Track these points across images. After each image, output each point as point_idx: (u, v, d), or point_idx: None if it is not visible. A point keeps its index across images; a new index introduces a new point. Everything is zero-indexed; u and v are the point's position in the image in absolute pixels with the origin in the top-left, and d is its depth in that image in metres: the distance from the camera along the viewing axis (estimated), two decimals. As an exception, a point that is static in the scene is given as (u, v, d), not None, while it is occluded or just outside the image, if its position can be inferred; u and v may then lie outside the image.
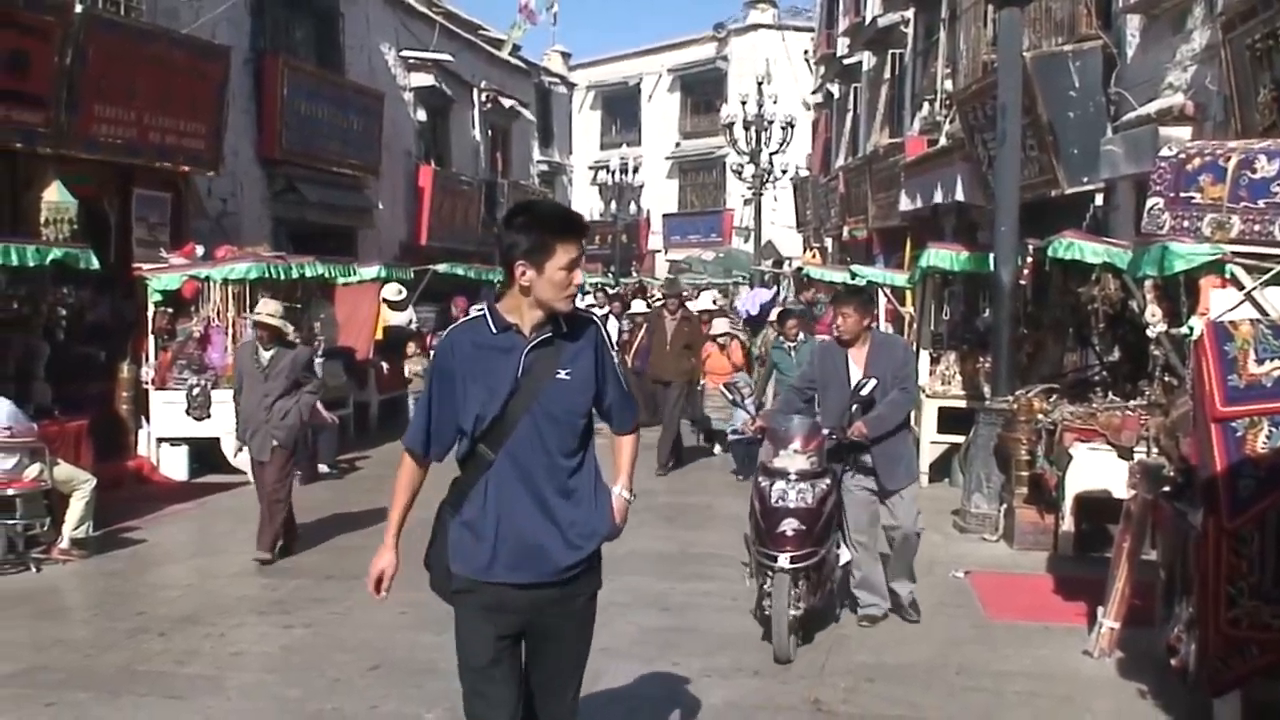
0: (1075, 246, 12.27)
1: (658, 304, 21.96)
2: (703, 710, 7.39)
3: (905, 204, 24.92)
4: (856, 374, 8.85)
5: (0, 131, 14.48)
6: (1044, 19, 18.06)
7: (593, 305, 21.89)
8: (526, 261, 4.56)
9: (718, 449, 18.00)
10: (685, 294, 19.47)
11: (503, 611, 4.71)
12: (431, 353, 21.27)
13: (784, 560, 8.19)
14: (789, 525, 8.29)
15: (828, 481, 8.61)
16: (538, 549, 4.66)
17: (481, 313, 4.78)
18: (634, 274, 50.84)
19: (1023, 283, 13.48)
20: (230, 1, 20.43)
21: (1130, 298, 12.25)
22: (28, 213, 15.10)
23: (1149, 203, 9.20)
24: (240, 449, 12.01)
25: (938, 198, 22.47)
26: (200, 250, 17.11)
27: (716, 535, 12.56)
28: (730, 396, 10.26)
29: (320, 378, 12.46)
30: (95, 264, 13.62)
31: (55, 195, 15.18)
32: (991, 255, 14.18)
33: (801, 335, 16.13)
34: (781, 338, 16.37)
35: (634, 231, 51.06)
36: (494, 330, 4.69)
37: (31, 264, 12.72)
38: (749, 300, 26.76)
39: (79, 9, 15.39)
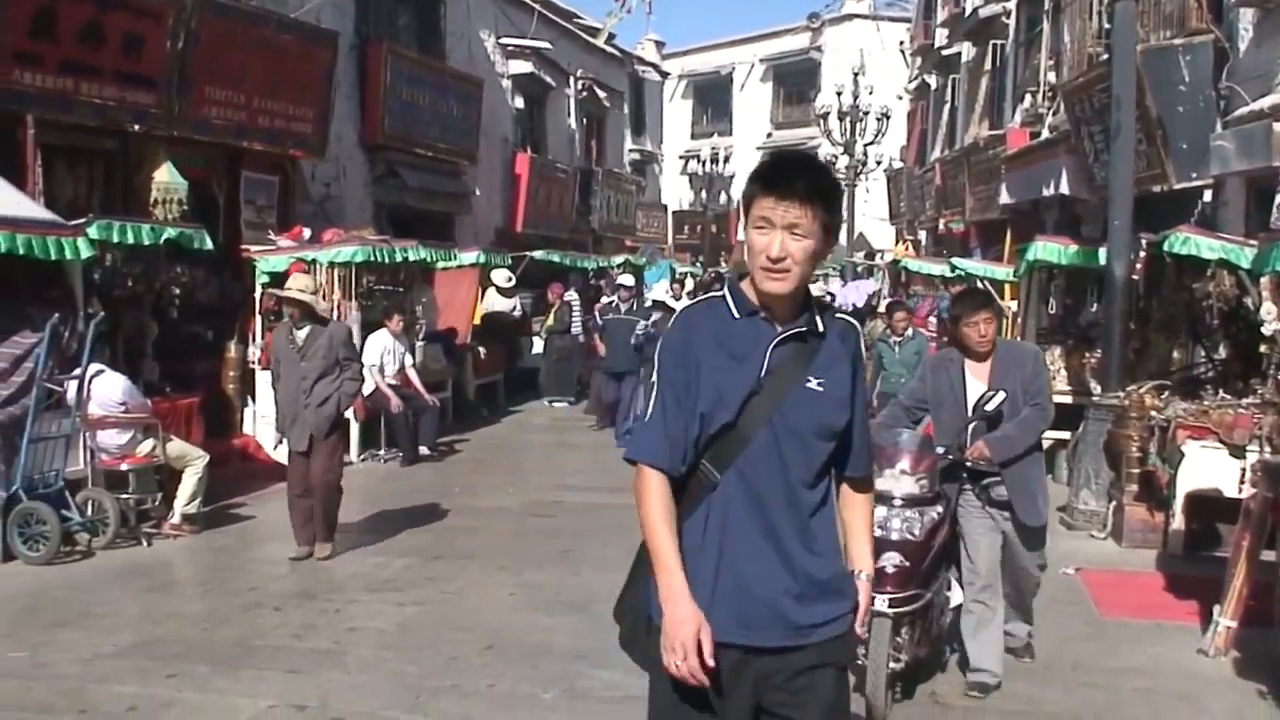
0: (1191, 242, 12.13)
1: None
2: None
3: (1006, 197, 24.73)
4: (977, 389, 7.39)
5: (113, 112, 14.66)
6: (1153, 12, 17.80)
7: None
8: (744, 221, 3.62)
9: None
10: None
11: (719, 683, 3.51)
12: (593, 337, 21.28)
13: (882, 602, 6.76)
14: (890, 560, 6.92)
15: (939, 510, 7.27)
16: (768, 602, 3.54)
17: (720, 293, 3.73)
18: (723, 264, 50.77)
19: (1135, 278, 13.35)
20: (338, -14, 20.64)
21: (1245, 295, 12.10)
22: (139, 193, 15.31)
23: (1279, 199, 9.05)
24: (280, 440, 11.35)
25: (1040, 191, 22.26)
26: (307, 233, 17.28)
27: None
28: None
29: (361, 363, 11.72)
30: (209, 244, 13.80)
31: (166, 176, 15.36)
32: (1102, 249, 14.05)
33: (910, 330, 15.92)
34: (888, 330, 16.23)
35: (724, 222, 50.91)
36: (736, 314, 3.63)
37: (146, 243, 12.91)
38: (853, 291, 26.58)
39: (191, -9, 15.56)
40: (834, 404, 3.65)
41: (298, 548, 10.91)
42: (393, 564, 10.66)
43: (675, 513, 3.56)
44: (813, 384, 3.60)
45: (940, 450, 7.35)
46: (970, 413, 7.37)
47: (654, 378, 3.64)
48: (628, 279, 20.37)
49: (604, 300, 21.84)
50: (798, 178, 3.51)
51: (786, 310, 3.62)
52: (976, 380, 7.43)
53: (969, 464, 7.35)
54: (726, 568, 3.54)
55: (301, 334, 10.77)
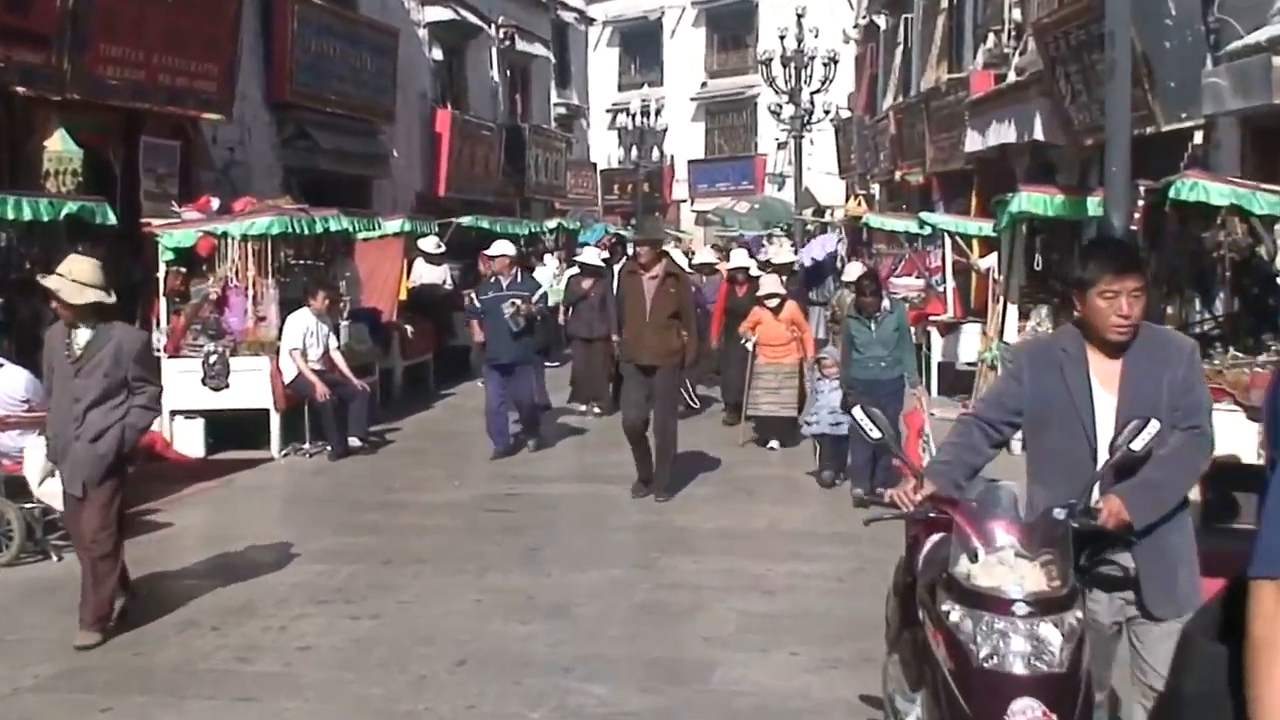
0: (1200, 187, 11.99)
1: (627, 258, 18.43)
2: (835, 705, 7.14)
3: (972, 144, 24.57)
4: (1108, 406, 5.07)
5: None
6: (1133, -61, 17.69)
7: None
8: None
9: (774, 444, 15.56)
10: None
11: None
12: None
13: None
14: (1027, 714, 4.43)
15: (1078, 614, 4.63)
16: None
17: None
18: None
19: (1134, 228, 13.23)
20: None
21: (1259, 243, 12.00)
22: (29, 163, 14.84)
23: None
24: (49, 473, 9.48)
25: (1009, 136, 22.15)
26: (215, 203, 16.87)
27: (807, 510, 12.38)
28: (864, 424, 5.48)
29: (161, 388, 9.37)
30: (112, 219, 13.38)
31: (59, 144, 14.92)
32: (1092, 198, 13.93)
33: (886, 303, 13.25)
34: (860, 304, 13.20)
35: (657, 180, 50.65)
36: None
37: (45, 219, 12.47)
38: (815, 247, 26.22)
39: (82, -63, 15.09)
40: None
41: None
42: (338, 572, 10.29)
43: None
44: None
45: (1060, 514, 4.73)
46: (1101, 446, 5.03)
47: None
48: (505, 246, 17.06)
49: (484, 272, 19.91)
50: None
51: None
52: (1105, 390, 5.12)
53: (1095, 529, 4.91)
54: None
55: (81, 338, 8.56)
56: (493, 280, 16.53)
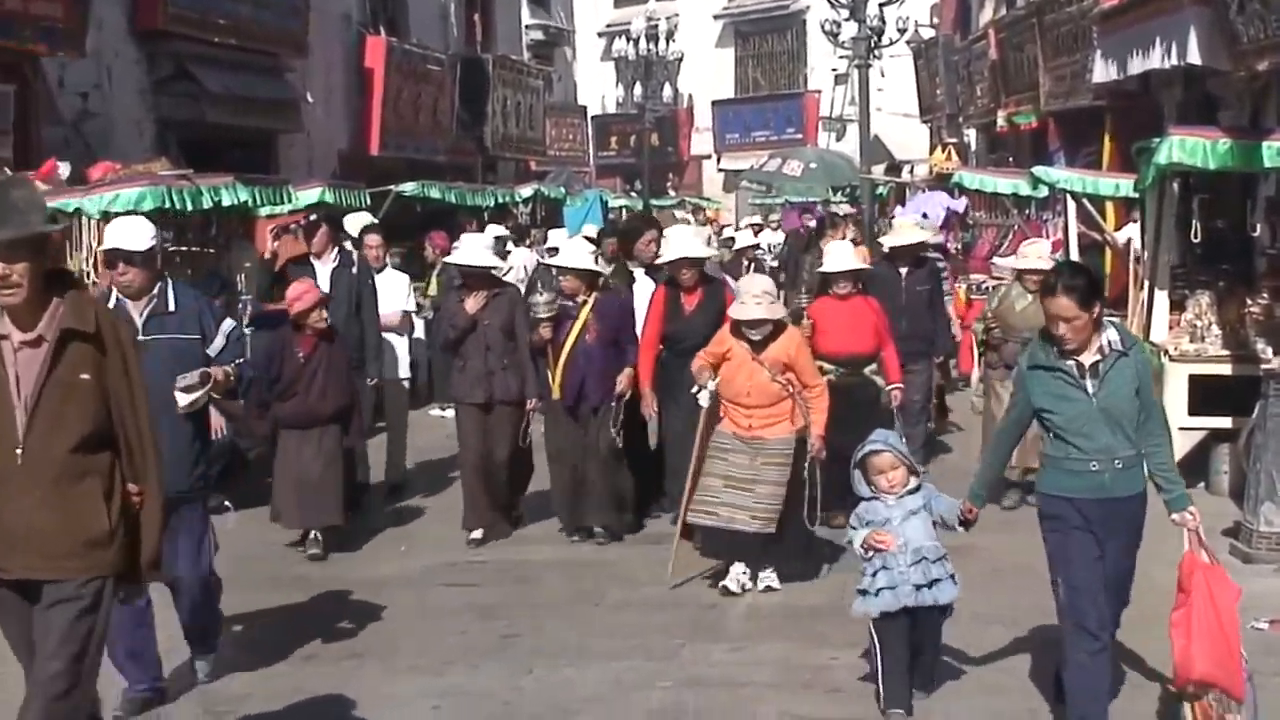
0: None
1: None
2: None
3: (1103, 72, 24.61)
4: None
5: None
6: None
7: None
8: None
9: (741, 581, 12.08)
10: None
11: None
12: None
13: None
14: None
15: None
16: None
17: None
18: (671, 192, 50.58)
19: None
20: None
21: None
22: None
23: None
24: None
25: (1154, 61, 22.16)
26: (65, 169, 16.90)
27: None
28: None
29: None
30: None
31: None
32: (1269, 143, 14.01)
33: (1113, 334, 8.38)
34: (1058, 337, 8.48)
35: (669, 129, 50.81)
36: None
37: None
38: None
39: None
40: None
41: None
42: (241, 673, 10.30)
43: None
44: None
45: None
46: None
47: None
48: (131, 232, 10.21)
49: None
50: None
51: None
52: None
53: None
54: None
55: None
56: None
